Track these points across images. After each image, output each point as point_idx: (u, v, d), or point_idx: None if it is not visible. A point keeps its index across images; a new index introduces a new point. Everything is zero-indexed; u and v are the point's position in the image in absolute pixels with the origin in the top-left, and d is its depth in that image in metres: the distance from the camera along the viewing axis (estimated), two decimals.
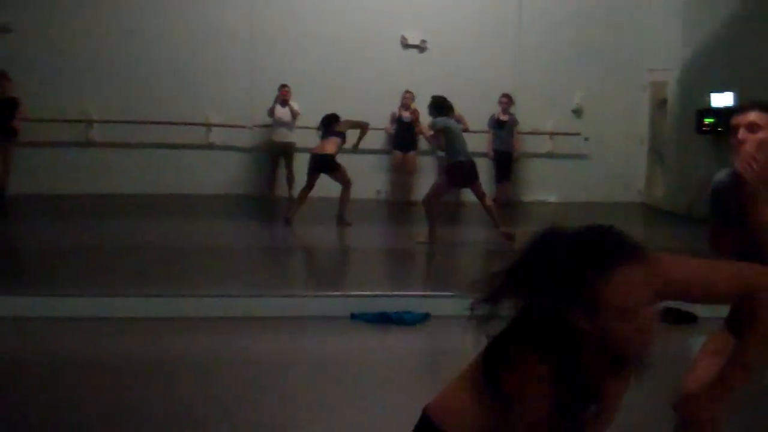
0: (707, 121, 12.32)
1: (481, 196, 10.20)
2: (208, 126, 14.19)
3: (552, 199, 14.65)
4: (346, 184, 11.34)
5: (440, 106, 10.22)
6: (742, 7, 12.40)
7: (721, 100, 12.03)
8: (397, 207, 13.76)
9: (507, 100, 13.69)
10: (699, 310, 7.24)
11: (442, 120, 10.07)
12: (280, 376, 5.82)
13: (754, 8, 12.23)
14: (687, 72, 13.35)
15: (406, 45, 14.34)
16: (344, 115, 11.68)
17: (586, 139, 14.64)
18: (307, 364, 6.13)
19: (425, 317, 7.10)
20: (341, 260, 10.15)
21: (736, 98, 11.53)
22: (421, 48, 14.37)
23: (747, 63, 11.80)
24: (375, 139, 13.59)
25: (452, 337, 6.87)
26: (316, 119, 13.27)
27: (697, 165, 12.39)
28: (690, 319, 7.30)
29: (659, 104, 14.38)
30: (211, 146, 14.24)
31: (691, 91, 13.12)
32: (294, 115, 13.42)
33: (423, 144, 14.15)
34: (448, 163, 10.15)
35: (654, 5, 14.41)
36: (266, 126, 13.87)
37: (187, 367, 5.89)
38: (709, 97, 12.32)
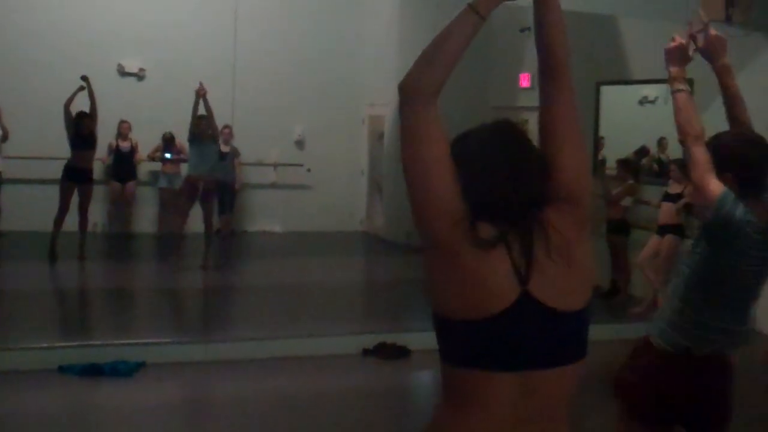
0: None
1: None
2: None
3: (277, 228, 14.73)
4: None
5: None
6: None
7: None
8: (116, 239, 13.19)
9: (228, 131, 13.52)
10: (412, 344, 7.55)
11: None
12: None
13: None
14: None
15: (123, 73, 13.81)
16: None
17: (309, 170, 14.88)
18: (7, 425, 5.68)
19: (140, 366, 6.83)
20: (49, 305, 9.46)
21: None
22: (139, 77, 13.92)
23: (456, 101, 12.60)
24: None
25: (169, 385, 6.70)
26: (28, 148, 12.51)
27: None
28: (403, 353, 7.58)
29: (378, 137, 14.91)
30: None
31: None
32: (5, 135, 12.10)
33: (142, 174, 13.73)
34: None
35: (368, 42, 14.94)
36: None
37: None
38: None
